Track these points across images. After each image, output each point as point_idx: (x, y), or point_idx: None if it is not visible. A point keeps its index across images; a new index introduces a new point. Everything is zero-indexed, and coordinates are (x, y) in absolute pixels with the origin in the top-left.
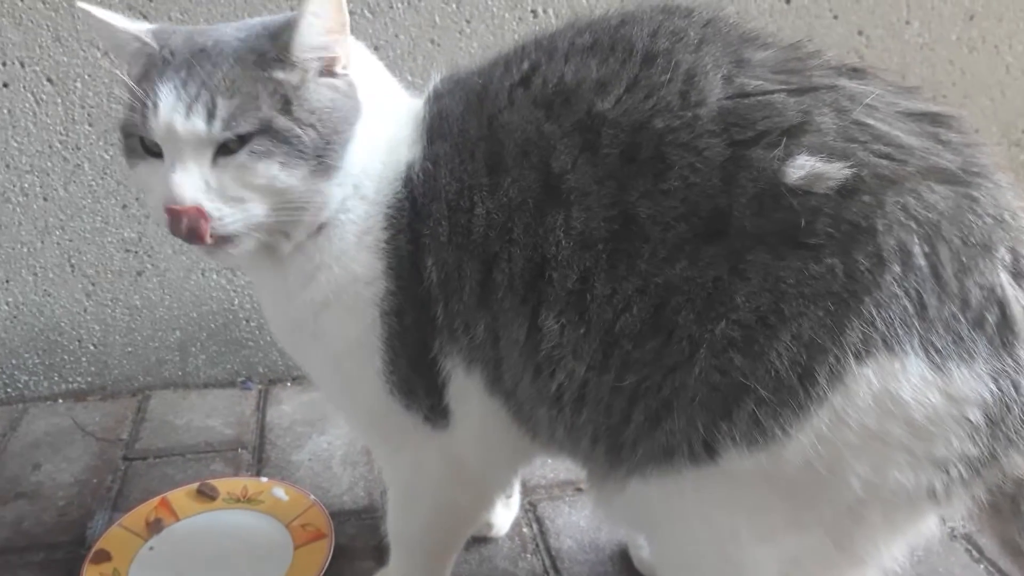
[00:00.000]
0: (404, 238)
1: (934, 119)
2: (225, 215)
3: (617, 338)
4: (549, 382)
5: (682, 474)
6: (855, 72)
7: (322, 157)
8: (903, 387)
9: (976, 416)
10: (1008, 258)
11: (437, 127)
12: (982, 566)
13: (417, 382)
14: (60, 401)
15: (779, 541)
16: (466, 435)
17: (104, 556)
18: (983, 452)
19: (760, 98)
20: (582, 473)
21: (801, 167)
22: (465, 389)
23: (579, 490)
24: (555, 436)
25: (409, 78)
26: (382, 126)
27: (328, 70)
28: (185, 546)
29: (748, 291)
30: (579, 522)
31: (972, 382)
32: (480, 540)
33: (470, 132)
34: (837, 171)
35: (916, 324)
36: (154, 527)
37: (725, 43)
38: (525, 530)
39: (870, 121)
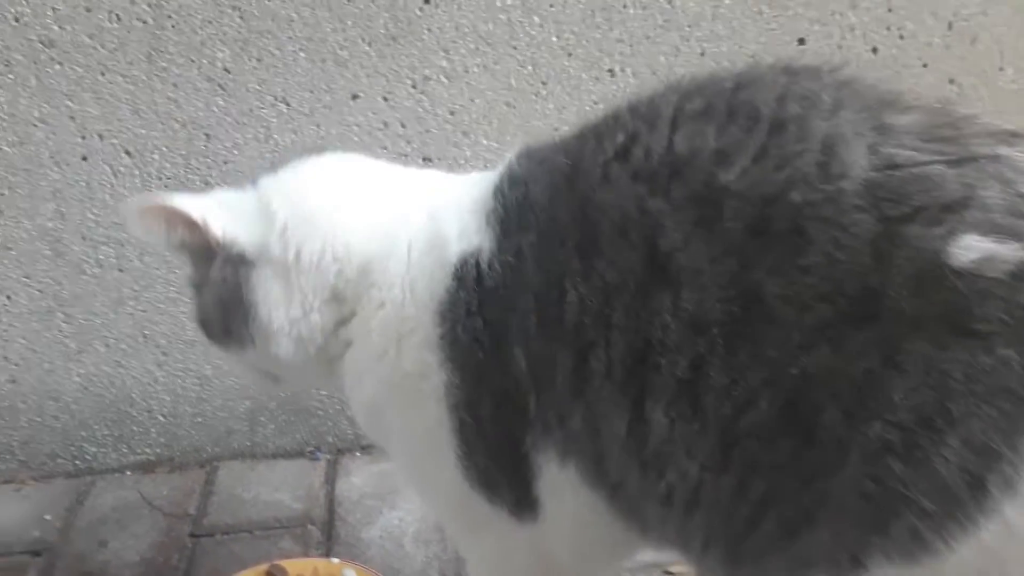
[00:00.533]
0: (468, 329)
1: None
2: None
3: (740, 437)
4: (658, 481)
5: None
6: (1014, 137)
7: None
8: None
9: None
10: None
11: (517, 216)
12: None
13: (500, 476)
14: (128, 473)
15: None
16: (558, 530)
17: None
18: None
19: (914, 170)
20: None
21: (969, 248)
22: (558, 483)
23: (668, 573)
24: (666, 535)
25: (484, 142)
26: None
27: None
28: None
29: (907, 387)
30: None
31: None
32: None
33: (560, 219)
34: (1012, 252)
35: None
36: None
37: (864, 106)
38: None
39: None
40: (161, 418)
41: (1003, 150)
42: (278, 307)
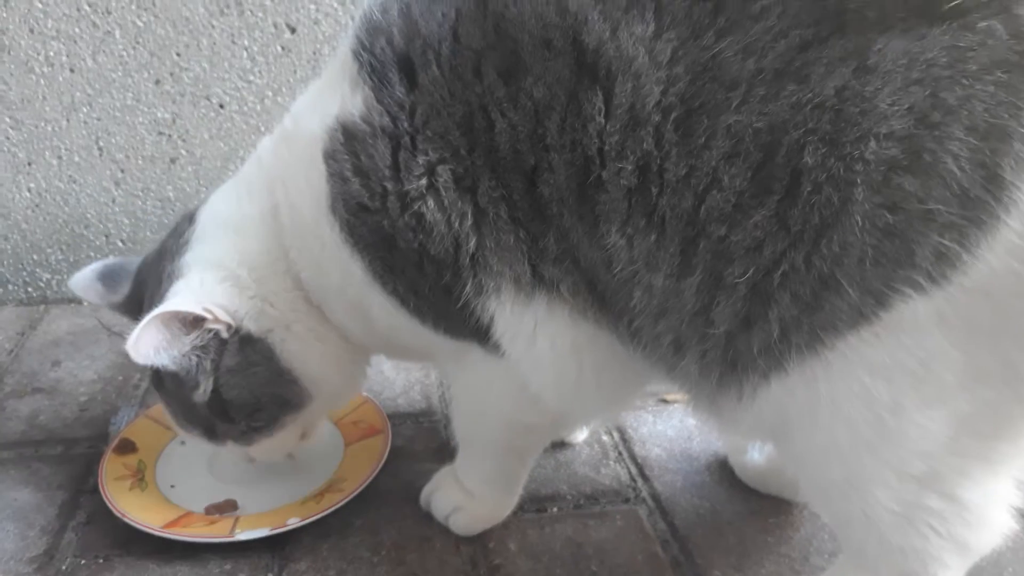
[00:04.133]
0: (357, 200)
1: None
2: None
3: (704, 227)
4: (629, 303)
5: (835, 348)
6: None
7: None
8: None
9: None
10: None
11: (397, 59)
12: None
13: (459, 327)
14: (85, 303)
15: (949, 401)
16: (536, 371)
17: (129, 447)
18: None
19: None
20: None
21: None
22: (522, 323)
23: (664, 401)
24: (652, 360)
25: None
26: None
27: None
28: None
29: (892, 90)
30: (666, 431)
31: None
32: (555, 445)
33: (472, 46)
34: None
35: None
36: None
37: None
38: (605, 438)
39: None
40: (120, 244)
41: None
42: (306, 353)
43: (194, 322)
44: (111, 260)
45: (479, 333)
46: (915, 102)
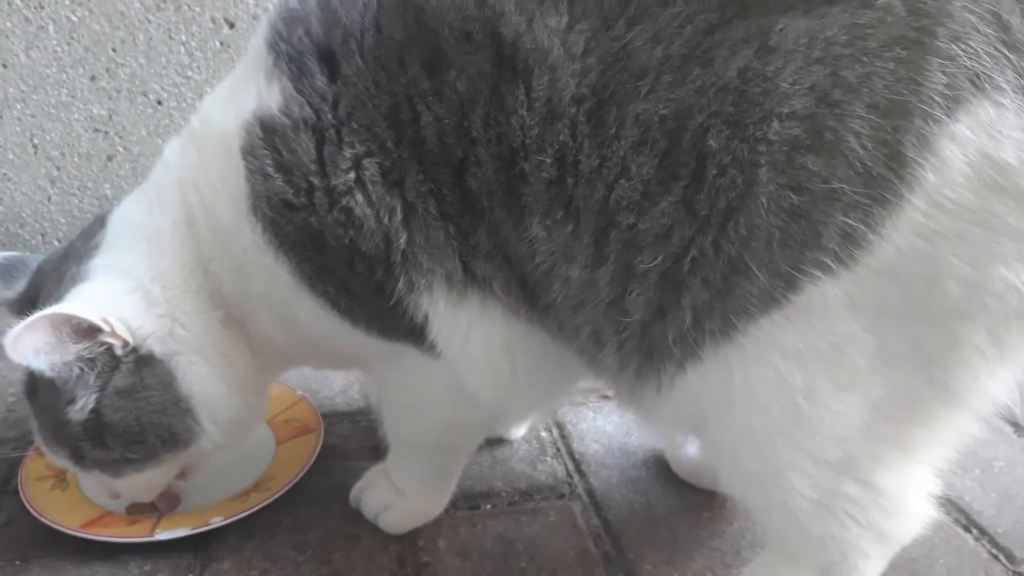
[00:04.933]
0: (279, 197)
1: None
2: None
3: (614, 216)
4: (548, 295)
5: (748, 333)
6: None
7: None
8: (1004, 146)
9: None
10: None
11: (316, 49)
12: None
13: (391, 326)
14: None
15: (862, 385)
16: (470, 369)
17: None
18: None
19: None
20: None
21: None
22: (456, 322)
23: (605, 397)
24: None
25: None
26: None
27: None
28: None
29: (793, 69)
30: (605, 427)
31: None
32: (493, 442)
33: (395, 37)
34: None
35: (1004, 52)
36: None
37: None
38: (544, 434)
39: None
40: (56, 242)
41: None
42: (205, 380)
43: (87, 331)
44: (10, 254)
45: (413, 333)
46: (816, 81)
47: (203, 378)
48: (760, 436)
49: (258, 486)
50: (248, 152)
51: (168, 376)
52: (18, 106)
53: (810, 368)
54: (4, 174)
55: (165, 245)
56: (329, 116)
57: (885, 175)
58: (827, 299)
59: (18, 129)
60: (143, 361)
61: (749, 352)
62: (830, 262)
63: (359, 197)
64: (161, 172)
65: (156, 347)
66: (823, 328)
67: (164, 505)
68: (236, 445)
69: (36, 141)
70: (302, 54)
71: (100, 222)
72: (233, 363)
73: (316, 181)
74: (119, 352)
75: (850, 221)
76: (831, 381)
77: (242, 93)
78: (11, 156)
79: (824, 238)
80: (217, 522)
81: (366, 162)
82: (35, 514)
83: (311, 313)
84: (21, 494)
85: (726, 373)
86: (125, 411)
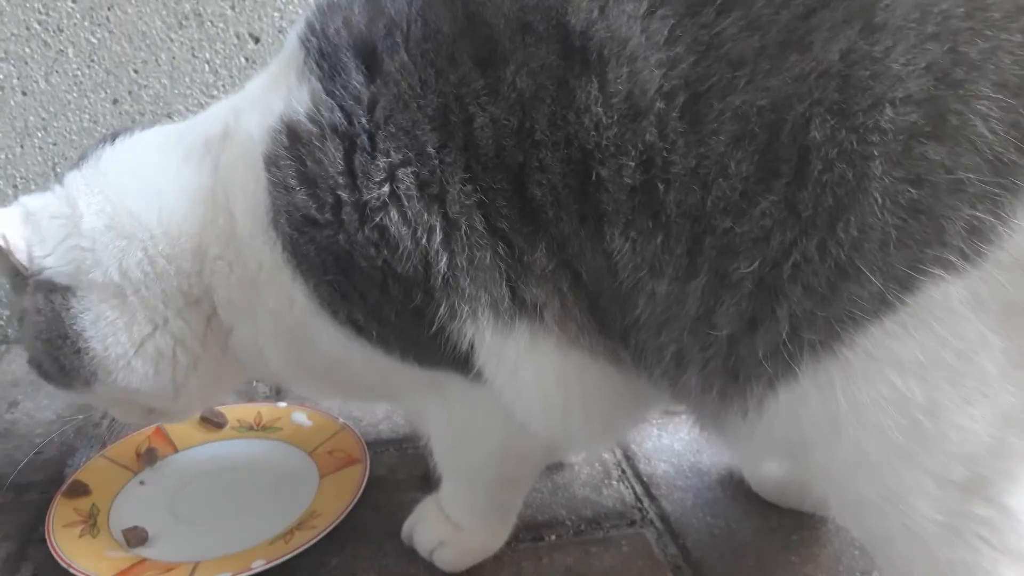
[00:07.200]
0: (300, 212)
1: None
2: None
3: (710, 222)
4: (633, 312)
5: (855, 345)
6: None
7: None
8: None
9: None
10: None
11: (352, 43)
12: None
13: (431, 354)
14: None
15: (992, 395)
16: (520, 402)
17: (82, 489)
18: None
19: None
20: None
21: None
22: (505, 351)
23: (670, 413)
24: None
25: None
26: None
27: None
28: (183, 481)
29: (904, 48)
30: (673, 445)
31: None
32: (551, 466)
33: (443, 32)
34: None
35: None
36: (146, 459)
37: None
38: (607, 456)
39: None
40: None
41: None
42: (116, 332)
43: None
44: None
45: (458, 362)
46: (933, 59)
47: (102, 328)
48: (875, 460)
49: (302, 524)
50: (271, 161)
51: (61, 308)
52: (39, 134)
53: (932, 380)
54: None
55: (167, 199)
56: (363, 120)
57: (1018, 161)
58: (949, 300)
59: (40, 159)
60: (40, 286)
61: (857, 367)
62: (954, 259)
63: (394, 214)
64: (199, 132)
65: (57, 278)
66: (946, 333)
67: (132, 540)
68: (158, 417)
69: (58, 170)
70: (337, 49)
71: (112, 138)
72: (171, 337)
73: (345, 195)
74: (23, 271)
75: (978, 213)
76: (957, 393)
77: (271, 93)
78: (33, 187)
79: (948, 234)
80: (260, 566)
81: (400, 173)
82: (64, 564)
83: (332, 339)
84: (48, 542)
85: (828, 392)
86: (28, 328)
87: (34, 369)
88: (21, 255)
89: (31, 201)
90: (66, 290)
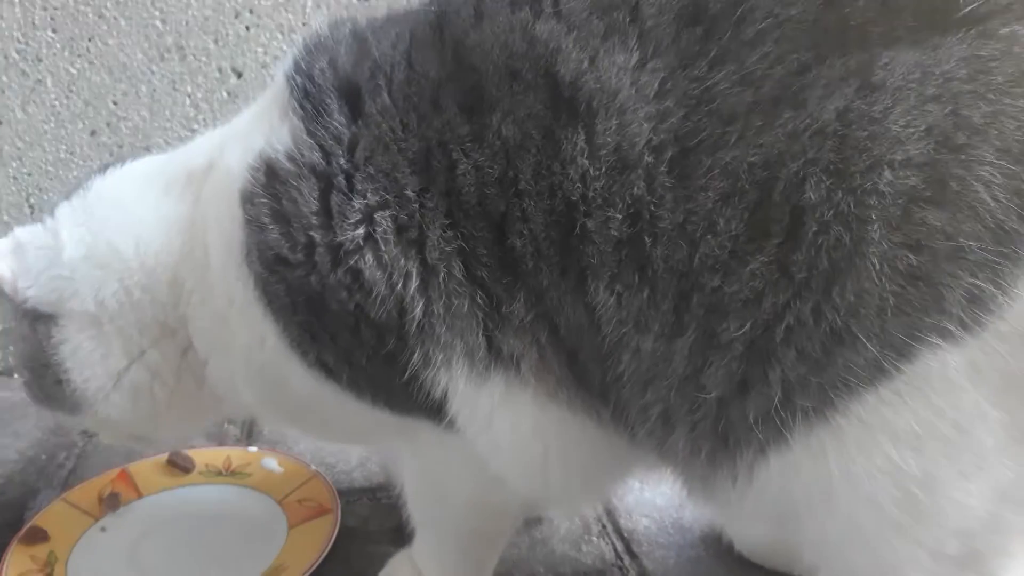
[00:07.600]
0: (273, 252)
1: None
2: None
3: (697, 280)
4: (617, 369)
5: (849, 413)
6: None
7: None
8: None
9: None
10: None
11: (337, 81)
12: None
13: (404, 401)
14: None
15: (989, 468)
16: (497, 455)
17: (39, 535)
18: None
19: None
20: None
21: None
22: (479, 401)
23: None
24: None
25: None
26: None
27: None
28: (146, 528)
29: (904, 109)
30: (655, 500)
31: None
32: (530, 520)
33: (429, 76)
34: None
35: None
36: (109, 504)
37: None
38: (587, 511)
39: None
40: None
41: None
42: (93, 364)
43: None
44: None
45: (431, 410)
46: (934, 122)
47: (80, 359)
48: (869, 532)
49: None
50: (247, 198)
51: (43, 337)
52: (14, 164)
53: (927, 452)
54: None
55: (145, 230)
56: (342, 160)
57: (1020, 229)
58: (948, 370)
59: (14, 188)
60: (26, 314)
61: (851, 436)
62: (953, 328)
63: (369, 257)
64: (182, 164)
65: (40, 307)
66: (942, 404)
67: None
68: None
69: (32, 201)
70: (321, 90)
71: (103, 169)
72: (148, 371)
73: (318, 236)
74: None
75: (978, 282)
76: (953, 466)
77: (254, 129)
78: (6, 218)
79: (947, 302)
80: None
81: (378, 216)
82: None
83: (302, 380)
84: None
85: (820, 460)
86: (17, 355)
87: (27, 394)
88: (7, 285)
89: (23, 233)
90: (48, 319)
